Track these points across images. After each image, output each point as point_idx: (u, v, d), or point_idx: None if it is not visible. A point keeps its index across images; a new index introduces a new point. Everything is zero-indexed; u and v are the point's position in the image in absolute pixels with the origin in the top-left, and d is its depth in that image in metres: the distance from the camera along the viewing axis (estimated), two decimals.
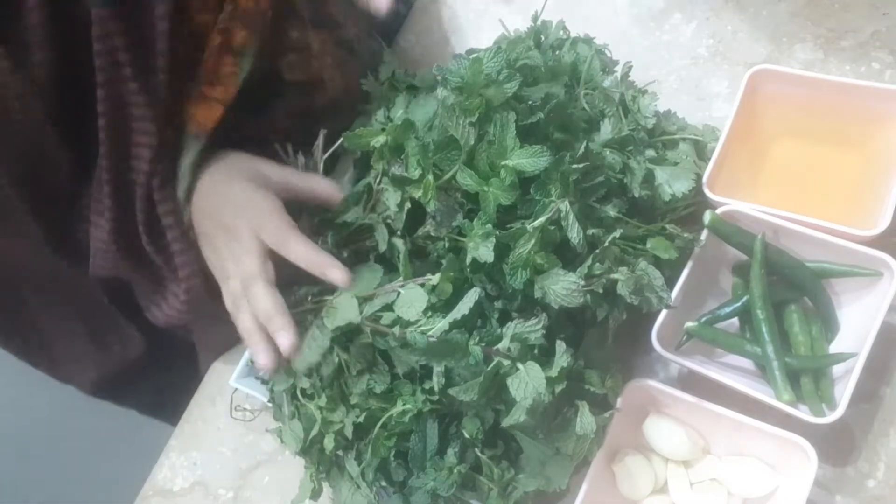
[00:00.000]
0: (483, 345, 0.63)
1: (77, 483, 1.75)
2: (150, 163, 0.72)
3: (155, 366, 0.96)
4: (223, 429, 0.88)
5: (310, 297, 0.70)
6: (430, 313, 0.65)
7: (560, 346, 0.64)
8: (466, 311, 0.64)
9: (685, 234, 0.73)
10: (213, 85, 0.74)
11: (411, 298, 0.66)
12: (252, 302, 0.69)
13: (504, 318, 0.67)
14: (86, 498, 1.69)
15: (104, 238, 0.76)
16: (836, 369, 0.69)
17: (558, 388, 0.63)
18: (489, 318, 0.67)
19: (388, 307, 0.66)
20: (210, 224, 0.73)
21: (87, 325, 0.92)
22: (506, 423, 0.64)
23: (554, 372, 0.63)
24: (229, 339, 0.88)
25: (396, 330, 0.65)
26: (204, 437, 0.88)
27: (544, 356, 0.65)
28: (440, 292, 0.66)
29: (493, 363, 0.63)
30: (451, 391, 0.63)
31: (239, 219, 0.70)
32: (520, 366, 0.63)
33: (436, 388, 0.65)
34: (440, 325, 0.64)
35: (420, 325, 0.65)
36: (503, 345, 0.63)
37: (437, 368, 0.64)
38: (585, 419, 0.66)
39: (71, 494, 1.75)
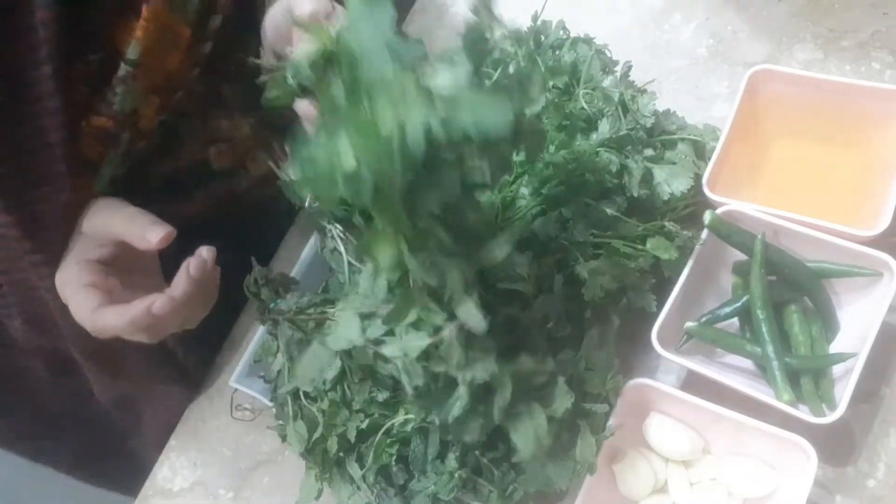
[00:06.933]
0: None
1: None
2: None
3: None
4: (223, 429, 0.87)
5: (312, 309, 0.69)
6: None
7: (562, 386, 0.63)
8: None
9: (685, 234, 0.73)
10: None
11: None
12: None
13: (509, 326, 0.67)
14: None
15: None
16: (836, 369, 0.69)
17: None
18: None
19: (392, 331, 0.64)
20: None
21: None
22: (515, 459, 0.63)
23: (557, 412, 0.62)
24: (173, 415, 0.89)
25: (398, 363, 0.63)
26: (204, 437, 0.88)
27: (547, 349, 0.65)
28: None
29: None
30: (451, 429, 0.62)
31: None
32: (521, 407, 0.61)
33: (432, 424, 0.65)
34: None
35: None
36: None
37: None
38: (586, 445, 0.65)
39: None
